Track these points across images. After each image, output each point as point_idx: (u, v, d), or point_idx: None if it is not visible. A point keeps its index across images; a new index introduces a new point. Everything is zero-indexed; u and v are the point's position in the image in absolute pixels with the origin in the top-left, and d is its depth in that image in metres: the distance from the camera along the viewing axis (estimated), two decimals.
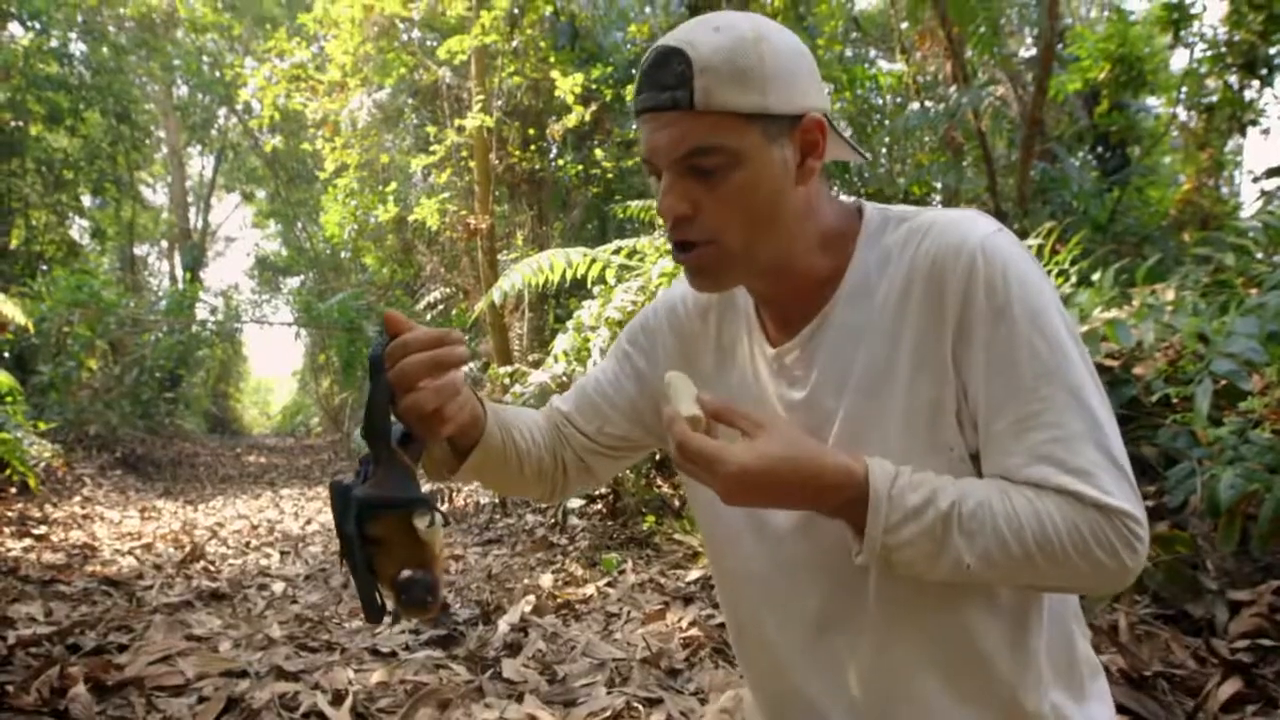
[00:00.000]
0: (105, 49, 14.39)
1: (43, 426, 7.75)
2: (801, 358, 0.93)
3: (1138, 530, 0.80)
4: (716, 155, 0.85)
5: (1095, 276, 3.54)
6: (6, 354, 9.37)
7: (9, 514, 5.88)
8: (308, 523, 6.83)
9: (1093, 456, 0.80)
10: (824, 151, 0.89)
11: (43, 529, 5.68)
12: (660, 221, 0.91)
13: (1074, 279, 3.66)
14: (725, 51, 0.83)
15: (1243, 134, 8.23)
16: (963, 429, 0.85)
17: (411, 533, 0.83)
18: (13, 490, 6.41)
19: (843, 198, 0.98)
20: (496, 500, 5.77)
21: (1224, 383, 2.64)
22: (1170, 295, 3.19)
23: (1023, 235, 5.29)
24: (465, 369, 0.90)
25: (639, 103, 0.88)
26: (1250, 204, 8.16)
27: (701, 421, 0.82)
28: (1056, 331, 0.82)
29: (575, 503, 4.58)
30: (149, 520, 6.76)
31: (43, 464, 7.13)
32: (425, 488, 0.87)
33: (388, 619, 0.90)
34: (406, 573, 0.84)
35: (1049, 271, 3.72)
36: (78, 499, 7.27)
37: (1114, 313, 3.09)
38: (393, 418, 0.86)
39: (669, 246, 0.94)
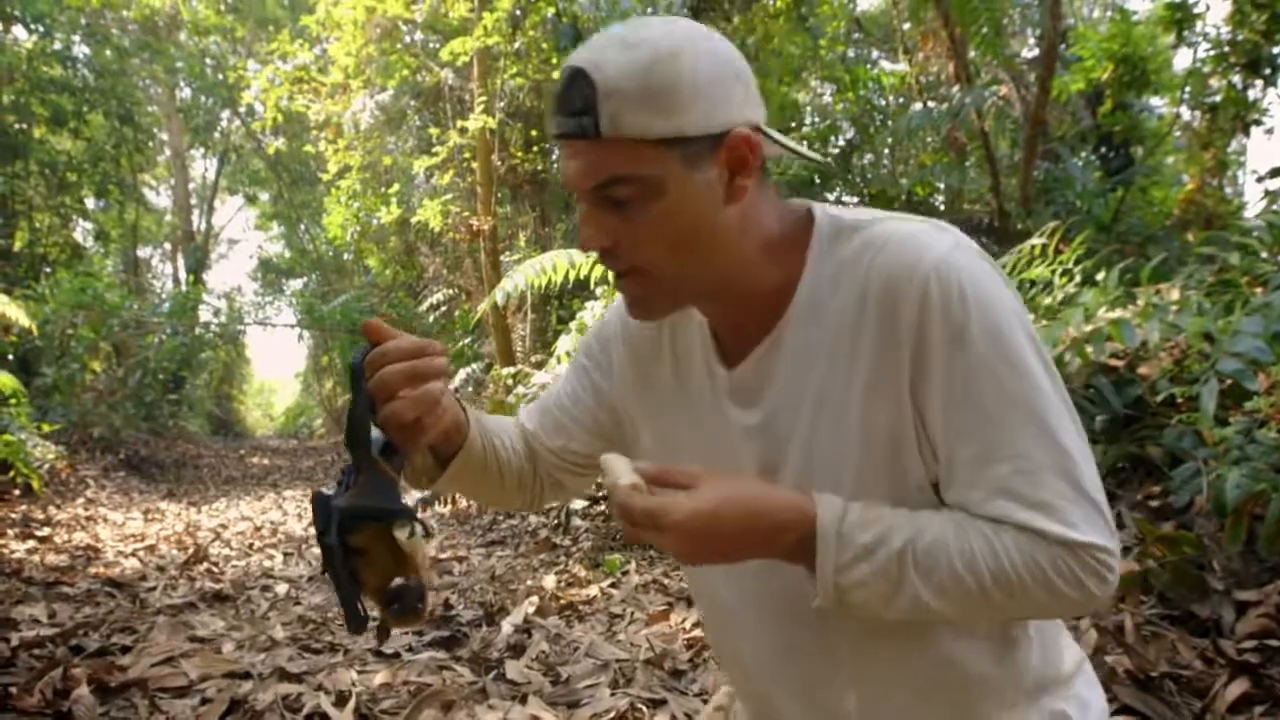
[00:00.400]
0: (108, 52, 14.42)
1: (46, 428, 7.76)
2: (755, 380, 0.89)
3: (1107, 560, 0.77)
4: (629, 186, 0.79)
5: (1099, 276, 3.53)
6: (10, 356, 9.39)
7: (12, 516, 5.89)
8: (311, 524, 6.81)
9: (1058, 488, 0.76)
10: (754, 168, 0.82)
11: (46, 531, 5.68)
12: None
13: (1078, 279, 3.65)
14: (635, 73, 0.76)
15: (1246, 133, 8.22)
16: (924, 458, 0.82)
17: (394, 543, 0.83)
18: (16, 492, 6.42)
19: (793, 201, 0.91)
20: None
21: (1229, 382, 2.63)
22: (1175, 295, 3.17)
23: (1026, 235, 5.28)
24: (452, 383, 0.89)
25: (551, 127, 0.84)
26: (1254, 203, 8.14)
27: (641, 489, 0.79)
28: (1021, 356, 0.78)
29: (578, 504, 4.57)
30: (152, 522, 6.77)
31: (46, 466, 7.14)
32: (413, 498, 0.87)
33: (371, 629, 0.89)
34: (399, 581, 0.84)
35: (1052, 272, 3.71)
36: (81, 501, 7.28)
37: (1119, 312, 3.08)
38: (374, 428, 0.85)
39: None
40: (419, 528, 0.84)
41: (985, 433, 0.77)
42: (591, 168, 0.80)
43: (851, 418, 0.82)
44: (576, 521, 4.78)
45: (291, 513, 7.59)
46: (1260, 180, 6.08)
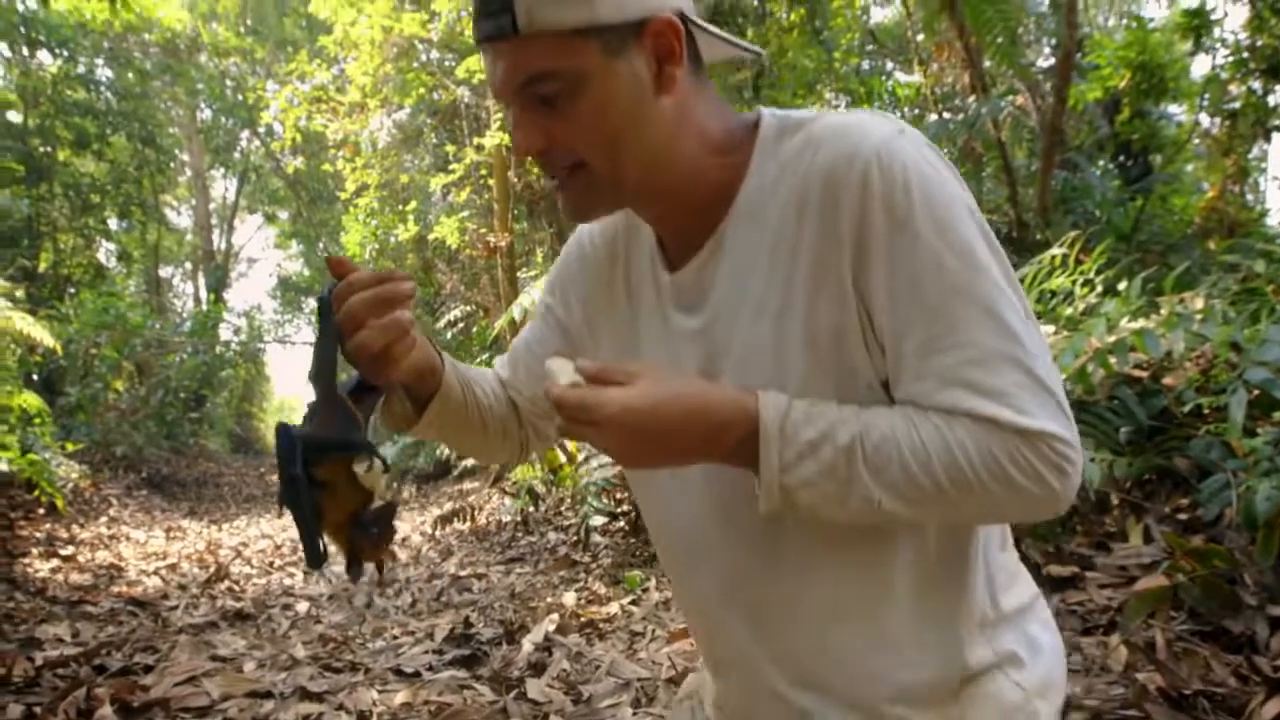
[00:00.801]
0: (131, 75, 14.66)
1: (70, 448, 7.85)
2: (698, 283, 0.87)
3: (1066, 452, 0.73)
4: (553, 81, 0.78)
5: (1121, 286, 3.49)
6: (35, 376, 9.51)
7: (37, 535, 5.94)
8: (377, 585, 6.83)
9: (1012, 377, 0.73)
10: (682, 57, 0.80)
11: (70, 549, 5.73)
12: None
13: (1099, 289, 3.61)
14: None
15: (1267, 139, 8.13)
16: (871, 355, 0.78)
17: (355, 478, 0.83)
18: (41, 511, 6.48)
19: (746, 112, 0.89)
20: (519, 518, 5.76)
21: (1257, 392, 2.59)
22: (1199, 304, 3.13)
23: (1045, 245, 5.24)
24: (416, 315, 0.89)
25: (474, 30, 0.82)
26: (1278, 210, 8.05)
27: (580, 386, 0.77)
28: (969, 243, 0.75)
29: (597, 520, 4.56)
30: (174, 540, 6.81)
31: (70, 485, 7.21)
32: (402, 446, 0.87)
33: (332, 569, 0.89)
34: (378, 503, 0.85)
35: (1073, 282, 3.68)
36: (104, 519, 7.34)
37: (1142, 322, 3.04)
38: (349, 373, 0.86)
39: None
40: (378, 462, 0.84)
41: (932, 322, 0.74)
42: (514, 67, 0.79)
43: (795, 319, 0.80)
44: (596, 538, 4.76)
45: (362, 583, 7.62)
46: None
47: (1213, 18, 6.50)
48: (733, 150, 0.85)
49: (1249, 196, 9.16)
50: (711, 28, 0.85)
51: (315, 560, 0.84)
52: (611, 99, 0.79)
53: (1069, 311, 3.50)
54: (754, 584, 0.87)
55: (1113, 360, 2.92)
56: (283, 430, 0.84)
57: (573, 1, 0.76)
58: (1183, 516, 2.81)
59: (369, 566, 0.90)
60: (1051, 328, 3.33)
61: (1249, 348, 2.54)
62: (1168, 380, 2.99)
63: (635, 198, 0.86)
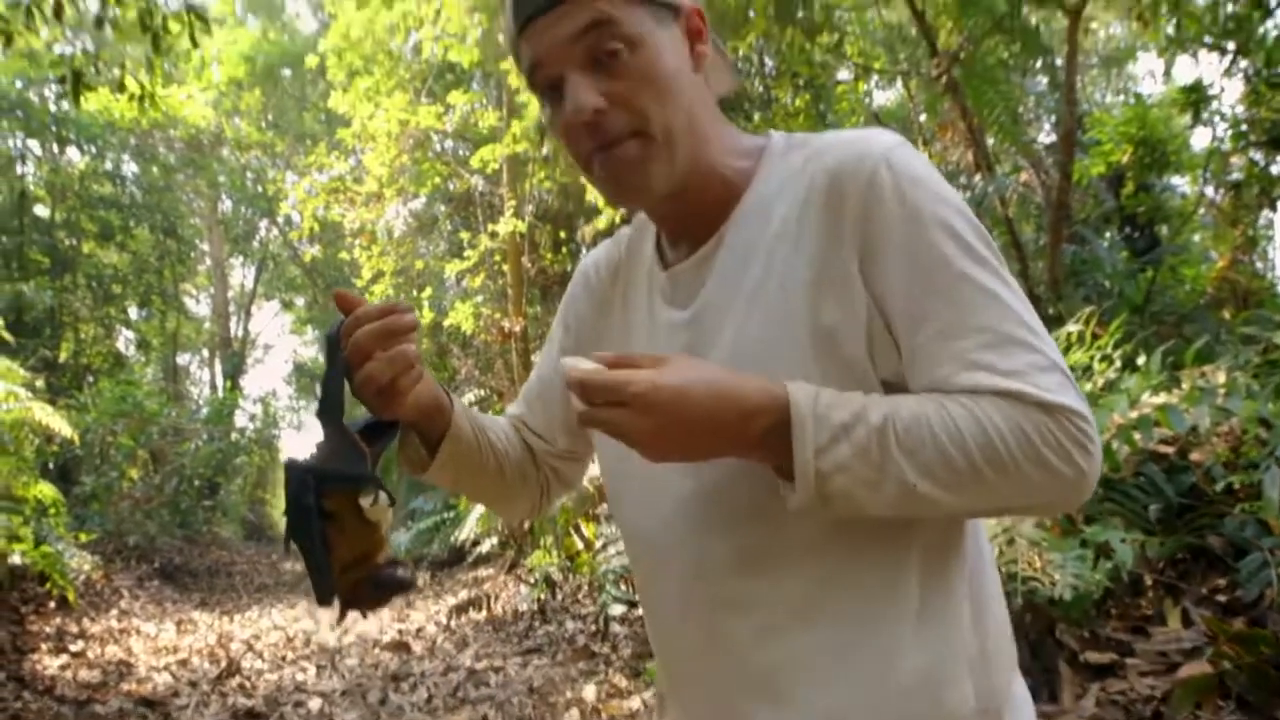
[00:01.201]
0: (155, 169, 15.12)
1: (84, 538, 7.81)
2: (692, 279, 0.88)
3: (1086, 429, 0.74)
4: (616, 30, 0.80)
5: (1140, 360, 3.47)
6: (51, 465, 9.53)
7: (47, 629, 5.86)
8: (344, 633, 6.72)
9: (1027, 358, 0.75)
10: (707, 37, 0.86)
11: (80, 644, 5.64)
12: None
13: (1118, 363, 3.59)
14: None
15: (1273, 209, 8.19)
16: (874, 354, 0.79)
17: (361, 513, 0.82)
18: (51, 605, 6.40)
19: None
20: (536, 607, 5.65)
21: None
22: (1221, 377, 3.10)
23: (1058, 318, 5.23)
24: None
25: (518, 14, 0.83)
26: None
27: (601, 371, 0.75)
28: (972, 242, 0.78)
29: (617, 609, 4.46)
30: (185, 633, 6.70)
31: (82, 577, 7.14)
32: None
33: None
34: (390, 570, 0.84)
35: (1091, 357, 3.66)
36: (115, 611, 7.24)
37: (1164, 397, 3.01)
38: (361, 411, 0.85)
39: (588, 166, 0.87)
40: (384, 496, 0.83)
41: (946, 307, 0.76)
42: (576, 24, 0.80)
43: (792, 314, 0.80)
44: (615, 628, 4.66)
45: (324, 621, 7.49)
46: None
47: (1210, 93, 6.63)
48: (745, 155, 0.89)
49: (1259, 265, 9.19)
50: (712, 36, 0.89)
51: (325, 596, 0.82)
52: (664, 61, 0.82)
53: (1089, 387, 3.47)
54: (717, 584, 0.84)
55: (1137, 437, 2.88)
56: (292, 463, 0.83)
57: None
58: (1221, 598, 2.73)
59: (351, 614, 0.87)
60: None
61: (1278, 423, 2.50)
62: (1195, 456, 2.95)
63: (682, 170, 0.85)
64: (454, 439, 0.95)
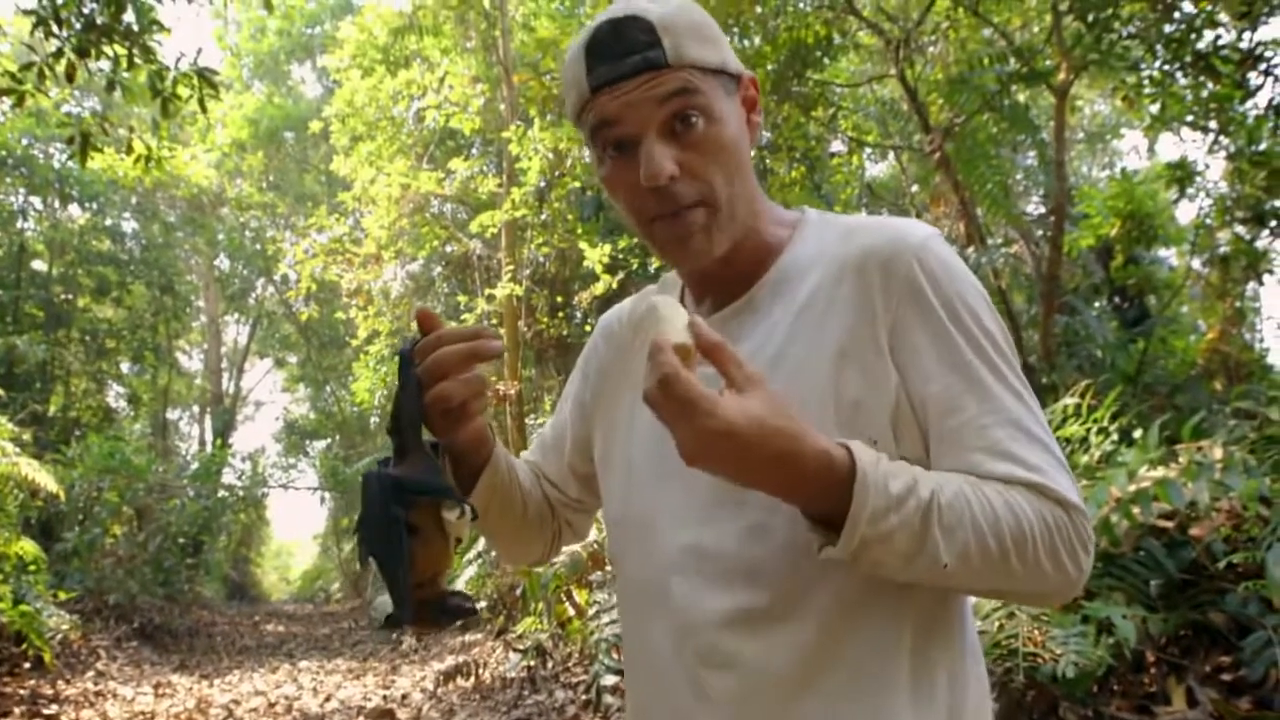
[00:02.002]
0: (156, 227, 15.25)
1: (63, 596, 7.64)
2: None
3: (1089, 533, 0.78)
4: (699, 99, 0.82)
5: (1137, 434, 3.48)
6: (33, 521, 9.38)
7: (20, 692, 5.69)
8: (326, 699, 6.54)
9: (1047, 456, 0.78)
10: (760, 108, 0.90)
11: (54, 708, 5.47)
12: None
13: (1115, 436, 3.60)
14: (677, 13, 0.83)
15: (1260, 282, 8.34)
16: (897, 431, 0.80)
17: (441, 528, 0.81)
18: (26, 665, 6.23)
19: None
20: (525, 675, 5.52)
21: None
22: (1218, 453, 3.11)
23: (1051, 388, 5.27)
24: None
25: (597, 78, 0.83)
26: (1278, 351, 8.14)
27: (690, 353, 0.72)
28: (997, 334, 0.82)
29: (609, 679, 4.36)
30: (163, 697, 6.51)
31: (59, 636, 6.97)
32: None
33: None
34: (460, 600, 0.83)
35: (1087, 429, 3.68)
36: (91, 674, 7.04)
37: (1162, 471, 3.01)
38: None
39: (647, 229, 0.88)
40: (468, 510, 0.82)
41: (979, 400, 0.79)
42: (664, 90, 0.82)
43: (812, 381, 0.81)
44: (608, 699, 4.55)
45: (306, 686, 7.30)
46: None
47: (1195, 170, 6.79)
48: (782, 225, 0.92)
49: (1248, 337, 9.30)
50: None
51: (405, 615, 0.80)
52: (733, 134, 0.85)
53: (1086, 459, 3.47)
54: (709, 641, 0.83)
55: (1136, 511, 2.87)
56: (372, 474, 0.82)
57: (705, 44, 0.84)
58: (1225, 676, 2.69)
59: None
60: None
61: (1279, 501, 2.50)
62: (1195, 531, 2.93)
63: (737, 237, 0.88)
64: (493, 470, 0.96)
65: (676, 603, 0.85)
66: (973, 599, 0.90)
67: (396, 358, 0.87)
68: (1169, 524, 3.00)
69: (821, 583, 0.79)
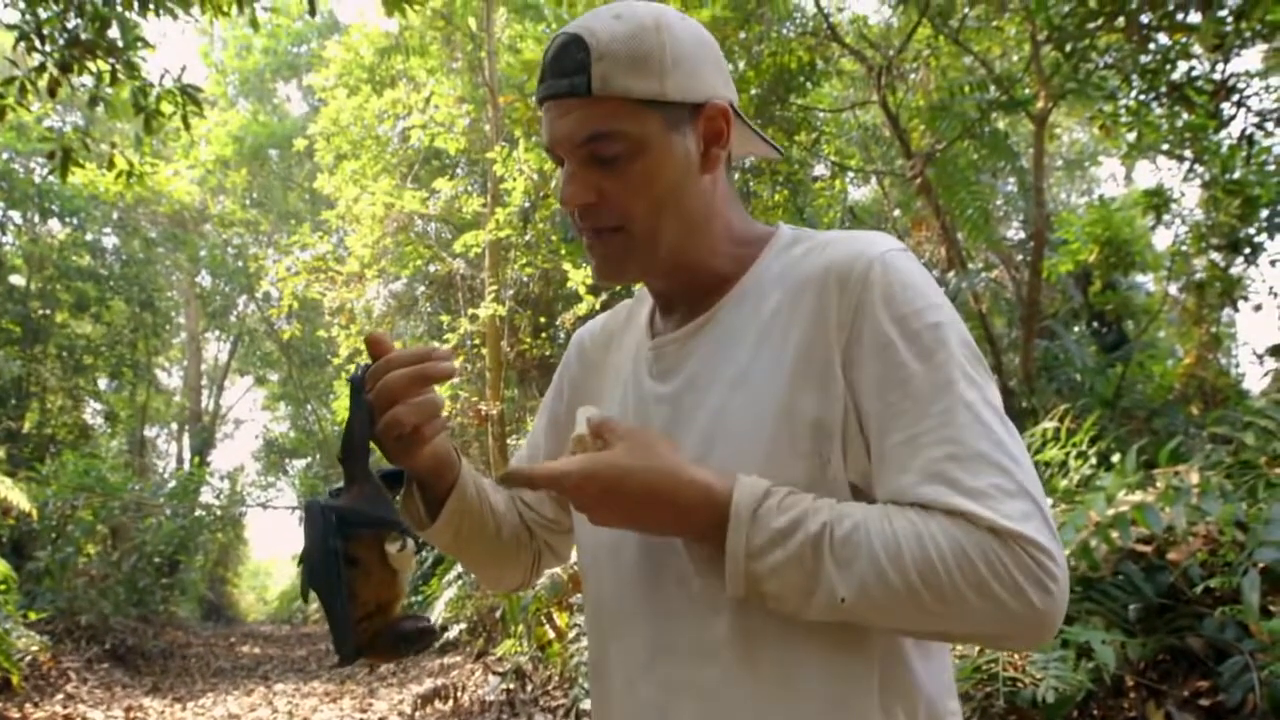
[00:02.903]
0: (137, 243, 15.14)
1: (33, 616, 7.50)
2: (677, 353, 0.89)
3: (1046, 564, 0.69)
4: (616, 142, 0.83)
5: (1115, 458, 3.51)
6: (4, 539, 9.22)
7: None
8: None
9: (993, 479, 0.71)
10: (729, 140, 0.87)
11: None
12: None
13: (1093, 460, 3.62)
14: (623, 39, 0.82)
15: (1235, 308, 8.46)
16: (847, 450, 0.78)
17: (384, 559, 0.80)
18: None
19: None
20: (504, 699, 5.46)
21: (1263, 566, 2.55)
22: (1194, 477, 3.13)
23: (1031, 412, 5.30)
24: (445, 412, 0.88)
25: (540, 92, 0.86)
26: (1256, 379, 8.25)
27: (586, 441, 0.79)
28: (956, 349, 0.77)
29: (589, 703, 4.32)
30: None
31: (28, 658, 6.83)
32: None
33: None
34: (421, 623, 0.82)
35: (1066, 453, 3.70)
36: (60, 697, 6.90)
37: (1139, 496, 3.04)
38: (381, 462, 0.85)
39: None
40: (410, 542, 0.81)
41: (920, 418, 0.74)
42: (581, 124, 0.83)
43: (772, 400, 0.80)
44: None
45: (281, 710, 7.18)
46: (1260, 359, 6.19)
47: (1171, 197, 6.90)
48: (749, 244, 0.91)
49: (1224, 361, 9.42)
50: (749, 121, 0.92)
51: (347, 651, 0.80)
52: (664, 168, 0.84)
53: (1065, 483, 3.49)
54: (670, 667, 0.83)
55: (1115, 535, 2.89)
56: (313, 504, 0.81)
57: (644, 75, 0.83)
58: (1204, 701, 2.69)
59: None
60: (1049, 501, 3.32)
61: (1255, 526, 2.52)
62: (1172, 555, 2.95)
63: (662, 266, 0.89)
64: (460, 495, 0.94)
65: (643, 626, 0.85)
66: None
67: (348, 384, 0.86)
68: (1147, 548, 3.02)
69: (774, 614, 0.78)
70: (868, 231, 0.88)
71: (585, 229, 0.88)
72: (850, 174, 8.67)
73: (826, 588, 0.71)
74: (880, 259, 0.80)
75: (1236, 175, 5.88)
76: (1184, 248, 7.26)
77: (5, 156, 12.28)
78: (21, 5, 4.52)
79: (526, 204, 7.94)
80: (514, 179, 7.45)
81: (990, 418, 0.75)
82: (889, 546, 0.71)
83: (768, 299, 0.85)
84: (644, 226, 0.85)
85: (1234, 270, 7.22)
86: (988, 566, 0.69)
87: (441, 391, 0.90)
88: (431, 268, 9.10)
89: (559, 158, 0.87)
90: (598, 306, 7.70)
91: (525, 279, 8.37)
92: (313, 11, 4.67)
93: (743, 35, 6.46)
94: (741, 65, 6.64)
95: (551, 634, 4.83)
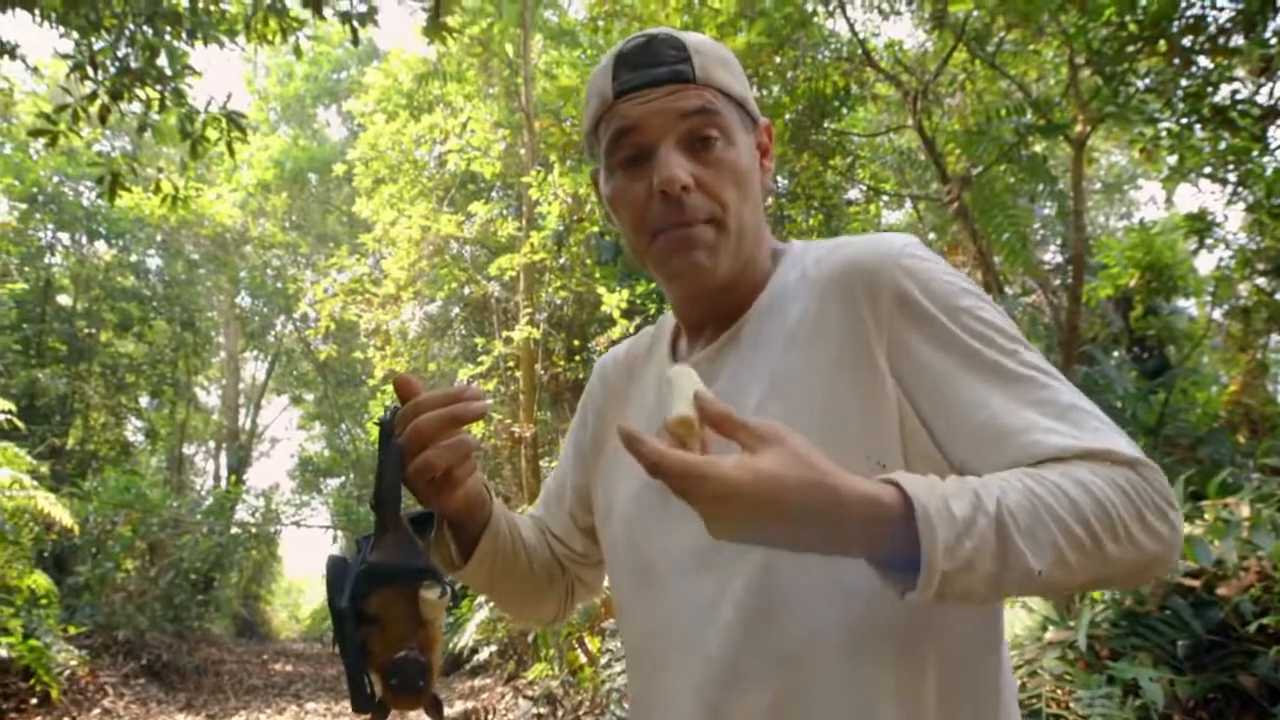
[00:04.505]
0: (179, 264, 15.47)
1: (73, 631, 7.62)
2: (706, 372, 0.85)
3: (1165, 485, 0.71)
4: (718, 120, 0.84)
5: None
6: (46, 554, 9.39)
7: None
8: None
9: (1094, 422, 0.73)
10: (773, 157, 0.93)
11: None
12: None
13: None
14: (707, 41, 0.88)
15: None
16: (904, 438, 0.77)
17: (413, 611, 0.78)
18: (34, 701, 6.19)
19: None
20: None
21: None
22: (1245, 510, 3.05)
23: None
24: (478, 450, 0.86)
25: (623, 84, 0.84)
26: None
27: (693, 426, 0.69)
28: (1002, 322, 0.79)
29: None
30: None
31: (67, 672, 6.93)
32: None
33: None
34: (401, 653, 0.77)
35: None
36: (97, 711, 6.99)
37: (1187, 528, 2.96)
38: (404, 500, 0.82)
39: (651, 241, 0.87)
40: (448, 590, 0.79)
41: (1004, 386, 0.75)
42: (686, 102, 0.84)
43: (811, 397, 0.79)
44: None
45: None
46: None
47: (1213, 221, 6.77)
48: (773, 259, 0.93)
49: (1270, 389, 9.18)
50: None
51: (361, 705, 0.78)
52: (746, 161, 0.87)
53: None
54: (721, 685, 0.80)
55: None
56: (333, 562, 0.80)
57: (733, 74, 0.88)
58: None
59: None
60: None
61: None
62: (1222, 591, 2.87)
63: (738, 266, 0.88)
64: (493, 534, 0.93)
65: (687, 652, 0.83)
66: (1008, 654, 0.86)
67: (377, 427, 0.83)
68: (1195, 582, 2.94)
69: (833, 624, 0.76)
70: (878, 234, 0.89)
71: (670, 224, 0.84)
72: (885, 198, 8.63)
73: (1018, 566, 0.66)
74: (903, 253, 0.81)
75: None
76: (1228, 272, 7.12)
77: (56, 180, 12.64)
78: (75, 35, 4.67)
79: (561, 228, 8.00)
80: (549, 203, 7.51)
81: (1055, 375, 0.77)
82: (1063, 503, 0.68)
83: (791, 307, 0.85)
84: (735, 217, 0.85)
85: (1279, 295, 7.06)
86: (1139, 496, 0.70)
87: None
88: (466, 290, 9.18)
89: (635, 150, 0.85)
90: (631, 330, 7.71)
91: (559, 302, 8.41)
92: (355, 41, 4.77)
93: (778, 60, 6.47)
94: (776, 90, 6.66)
95: (583, 659, 4.80)
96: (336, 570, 0.79)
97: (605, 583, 1.07)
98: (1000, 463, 0.73)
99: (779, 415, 0.79)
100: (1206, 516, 3.10)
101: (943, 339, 0.78)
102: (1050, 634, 3.02)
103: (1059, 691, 2.68)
